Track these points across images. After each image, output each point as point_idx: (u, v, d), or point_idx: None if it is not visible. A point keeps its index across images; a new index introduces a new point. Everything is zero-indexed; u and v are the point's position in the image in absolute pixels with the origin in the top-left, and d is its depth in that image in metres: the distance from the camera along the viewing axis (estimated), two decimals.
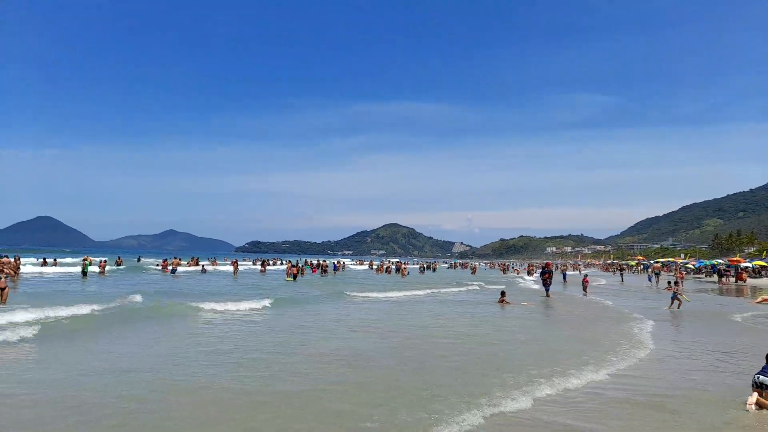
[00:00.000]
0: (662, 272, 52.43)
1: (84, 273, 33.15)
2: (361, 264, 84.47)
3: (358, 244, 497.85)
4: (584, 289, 27.83)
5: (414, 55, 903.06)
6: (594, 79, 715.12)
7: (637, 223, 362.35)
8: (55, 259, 46.68)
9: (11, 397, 6.74)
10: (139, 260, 61.52)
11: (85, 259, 36.07)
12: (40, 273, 34.73)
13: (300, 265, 44.43)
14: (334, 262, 57.28)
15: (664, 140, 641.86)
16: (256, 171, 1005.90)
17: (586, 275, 35.39)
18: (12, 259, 33.15)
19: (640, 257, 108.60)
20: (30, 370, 8.38)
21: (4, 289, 16.32)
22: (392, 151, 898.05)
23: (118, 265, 47.75)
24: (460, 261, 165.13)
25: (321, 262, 51.09)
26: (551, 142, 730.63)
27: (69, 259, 56.57)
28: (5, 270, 16.09)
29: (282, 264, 58.66)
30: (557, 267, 61.01)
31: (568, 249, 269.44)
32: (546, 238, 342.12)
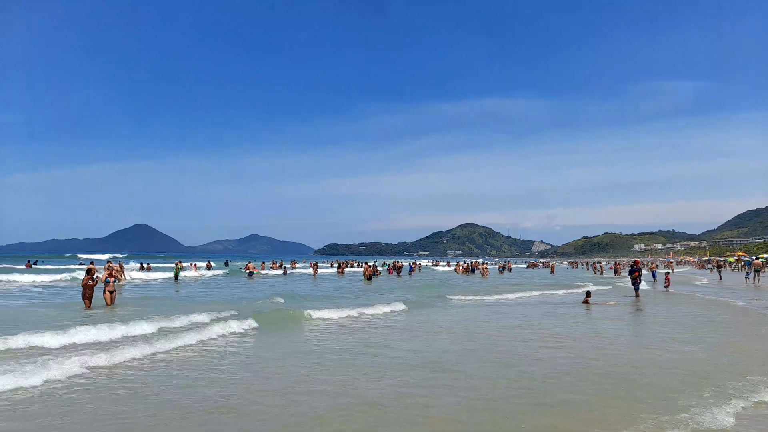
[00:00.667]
0: (765, 270, 47.90)
1: (176, 276, 35.16)
2: (437, 265, 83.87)
3: (434, 244, 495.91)
4: (666, 286, 29.06)
5: (486, 51, 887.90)
6: (684, 65, 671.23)
7: (736, 216, 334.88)
8: (149, 264, 50.05)
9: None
10: (226, 264, 64.74)
11: (177, 264, 38.27)
12: (146, 278, 36.71)
13: (376, 266, 44.73)
14: (410, 263, 57.23)
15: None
16: (333, 176, 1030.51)
17: (668, 273, 34.87)
18: (117, 265, 35.89)
19: (740, 253, 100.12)
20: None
21: (113, 292, 17.27)
22: (467, 149, 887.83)
23: (209, 268, 50.98)
24: (542, 260, 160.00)
25: (396, 263, 51.17)
26: (638, 134, 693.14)
27: (161, 264, 60.39)
28: (114, 275, 17.11)
29: (359, 266, 59.38)
30: (645, 265, 57.19)
31: (659, 246, 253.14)
32: (633, 234, 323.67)
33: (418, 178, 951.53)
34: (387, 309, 17.43)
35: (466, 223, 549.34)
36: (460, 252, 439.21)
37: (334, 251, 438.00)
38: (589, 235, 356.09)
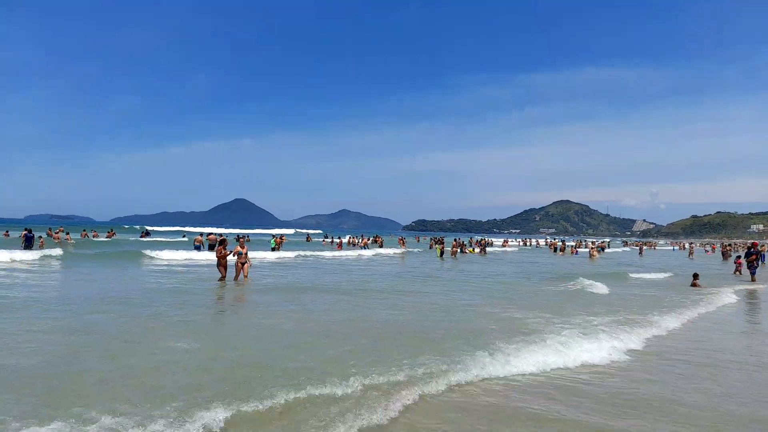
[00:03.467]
0: None
1: (273, 249, 36.90)
2: (529, 243, 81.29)
3: (526, 222, 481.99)
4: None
5: (585, 16, 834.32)
6: None
7: None
8: (248, 237, 52.99)
9: None
10: (329, 238, 67.15)
11: (274, 237, 40.08)
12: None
13: (463, 242, 44.27)
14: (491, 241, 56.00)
15: None
16: (421, 150, 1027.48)
17: (739, 257, 27.39)
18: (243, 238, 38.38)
19: None
20: None
21: (245, 263, 17.35)
22: (563, 122, 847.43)
23: (308, 241, 55.16)
24: (643, 240, 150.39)
25: (483, 240, 50.33)
26: (756, 101, 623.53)
27: (259, 237, 63.78)
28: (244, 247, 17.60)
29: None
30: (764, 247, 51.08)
31: None
32: (751, 214, 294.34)
33: (510, 153, 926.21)
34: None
35: (560, 200, 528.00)
36: (553, 230, 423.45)
37: (422, 227, 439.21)
38: (698, 214, 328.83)
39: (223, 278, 16.88)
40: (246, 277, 17.29)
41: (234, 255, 17.17)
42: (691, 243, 74.16)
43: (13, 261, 20.63)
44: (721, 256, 47.82)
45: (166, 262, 24.29)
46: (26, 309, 10.29)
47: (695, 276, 19.67)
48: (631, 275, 23.45)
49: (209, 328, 9.68)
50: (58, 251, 24.79)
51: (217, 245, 17.01)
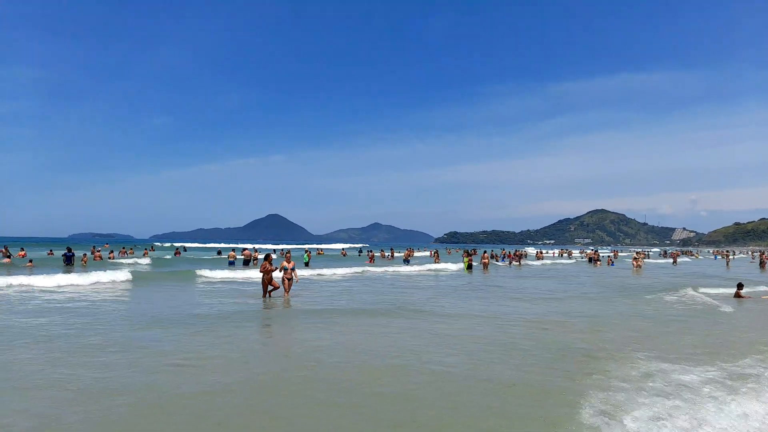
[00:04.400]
0: None
1: (306, 264, 37.10)
2: (565, 254, 79.54)
3: (560, 232, 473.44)
4: None
5: (615, 22, 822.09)
6: None
7: None
8: (282, 251, 53.61)
9: None
10: (360, 253, 67.25)
11: (307, 252, 40.34)
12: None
13: (495, 254, 43.59)
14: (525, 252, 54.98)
15: None
16: (452, 162, 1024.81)
17: None
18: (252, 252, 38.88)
19: None
20: None
21: (290, 279, 16.79)
22: (597, 130, 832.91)
23: (343, 255, 55.58)
24: (682, 249, 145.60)
25: (517, 251, 49.47)
26: None
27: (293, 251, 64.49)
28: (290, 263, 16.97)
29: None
30: None
31: None
32: None
33: (543, 162, 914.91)
34: None
35: (596, 210, 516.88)
36: (589, 240, 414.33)
37: (455, 239, 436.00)
38: (741, 221, 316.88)
39: (266, 295, 16.26)
40: (287, 292, 16.62)
41: (280, 271, 16.56)
42: (727, 251, 71.30)
43: (95, 283, 19.94)
44: (758, 265, 45.35)
45: (219, 280, 23.96)
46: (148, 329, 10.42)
47: (739, 286, 18.72)
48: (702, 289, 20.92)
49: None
50: (122, 274, 22.51)
51: (262, 260, 16.55)
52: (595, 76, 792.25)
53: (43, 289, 18.04)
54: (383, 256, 51.79)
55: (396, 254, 54.80)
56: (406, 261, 42.67)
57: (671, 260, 55.07)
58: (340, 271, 29.73)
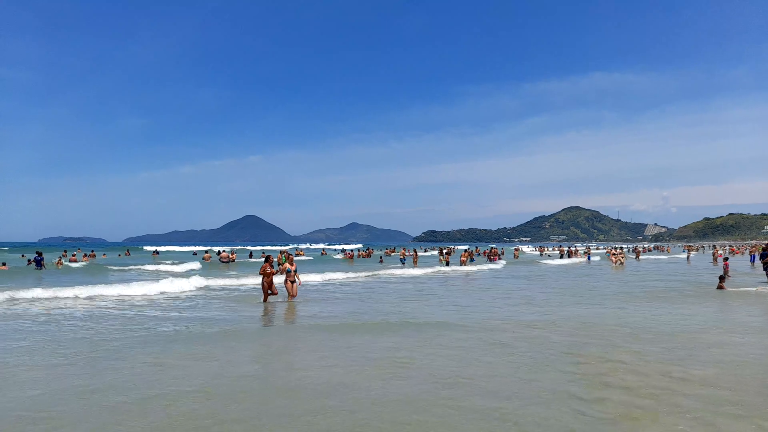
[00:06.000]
0: None
1: (279, 264, 36.96)
2: (543, 251, 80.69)
3: (536, 229, 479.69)
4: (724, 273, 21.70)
5: (589, 22, 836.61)
6: None
7: None
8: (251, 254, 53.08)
9: None
10: (323, 253, 67.14)
11: (283, 253, 40.10)
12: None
13: (471, 252, 44.04)
14: (485, 250, 55.73)
15: None
16: (428, 162, 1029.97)
17: (726, 258, 26.46)
18: (228, 253, 38.48)
19: None
20: None
21: (294, 282, 15.39)
22: (570, 129, 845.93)
23: (323, 255, 54.75)
24: (655, 244, 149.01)
25: (494, 249, 50.12)
26: (765, 100, 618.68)
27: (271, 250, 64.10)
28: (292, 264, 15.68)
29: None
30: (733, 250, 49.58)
31: None
32: (764, 215, 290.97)
33: (519, 161, 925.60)
34: None
35: (570, 207, 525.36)
36: (564, 237, 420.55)
37: (433, 238, 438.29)
38: (710, 216, 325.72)
39: (266, 299, 14.79)
40: (295, 296, 15.28)
41: (282, 273, 15.34)
42: (689, 246, 72.39)
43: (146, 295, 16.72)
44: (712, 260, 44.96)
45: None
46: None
47: (721, 278, 19.05)
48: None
49: None
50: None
51: (264, 261, 15.11)
52: (569, 75, 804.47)
53: (123, 299, 15.53)
54: (360, 256, 52.88)
55: (374, 253, 55.61)
56: (402, 260, 40.86)
57: (634, 256, 56.12)
58: (351, 275, 26.35)
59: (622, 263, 37.73)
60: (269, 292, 14.97)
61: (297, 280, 15.51)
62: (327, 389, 6.17)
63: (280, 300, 15.24)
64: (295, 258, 31.02)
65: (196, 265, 34.58)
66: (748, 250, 60.03)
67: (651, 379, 6.59)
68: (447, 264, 35.37)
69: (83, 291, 16.30)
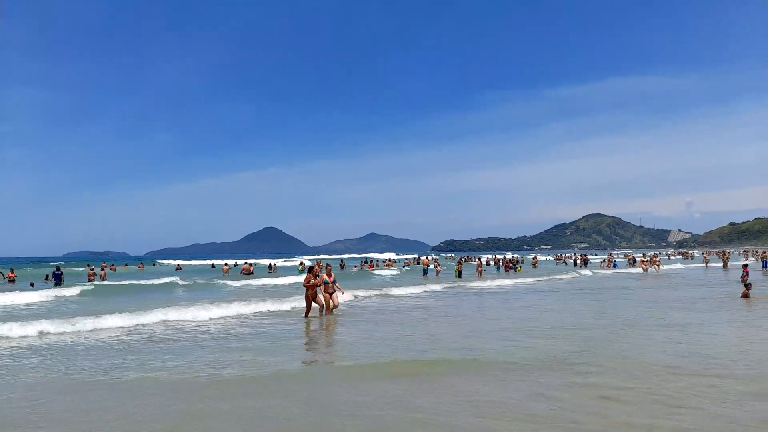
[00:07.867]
0: None
1: (300, 273, 37.03)
2: (560, 259, 79.71)
3: (556, 237, 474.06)
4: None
5: (606, 26, 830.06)
6: None
7: None
8: (275, 264, 53.27)
9: None
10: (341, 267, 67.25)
11: (301, 263, 40.35)
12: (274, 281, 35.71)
13: (484, 260, 43.70)
14: (527, 258, 55.17)
15: None
16: (448, 171, 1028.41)
17: (746, 265, 22.90)
18: (248, 265, 38.84)
19: None
20: None
21: (333, 293, 15.00)
22: (591, 136, 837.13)
23: (341, 267, 54.17)
24: (680, 251, 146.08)
25: (512, 257, 49.68)
26: None
27: (287, 264, 64.20)
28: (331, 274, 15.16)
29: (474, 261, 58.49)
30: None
31: None
32: None
33: (538, 168, 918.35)
34: None
35: (591, 214, 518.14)
36: (585, 245, 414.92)
37: (451, 247, 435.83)
38: (736, 221, 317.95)
39: (308, 314, 14.32)
40: (336, 306, 14.98)
41: (321, 285, 14.55)
42: (727, 252, 70.58)
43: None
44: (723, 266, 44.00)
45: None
46: None
47: (746, 286, 18.29)
48: None
49: None
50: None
51: (307, 272, 14.48)
52: (589, 81, 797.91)
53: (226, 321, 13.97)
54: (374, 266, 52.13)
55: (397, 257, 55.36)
56: (425, 271, 37.02)
57: (721, 264, 55.03)
58: (412, 290, 23.15)
59: (651, 269, 38.65)
60: (313, 304, 14.43)
61: (337, 290, 15.06)
62: None
63: (314, 316, 14.36)
64: (383, 268, 25.60)
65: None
66: (759, 257, 58.07)
67: None
68: (459, 274, 33.89)
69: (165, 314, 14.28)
